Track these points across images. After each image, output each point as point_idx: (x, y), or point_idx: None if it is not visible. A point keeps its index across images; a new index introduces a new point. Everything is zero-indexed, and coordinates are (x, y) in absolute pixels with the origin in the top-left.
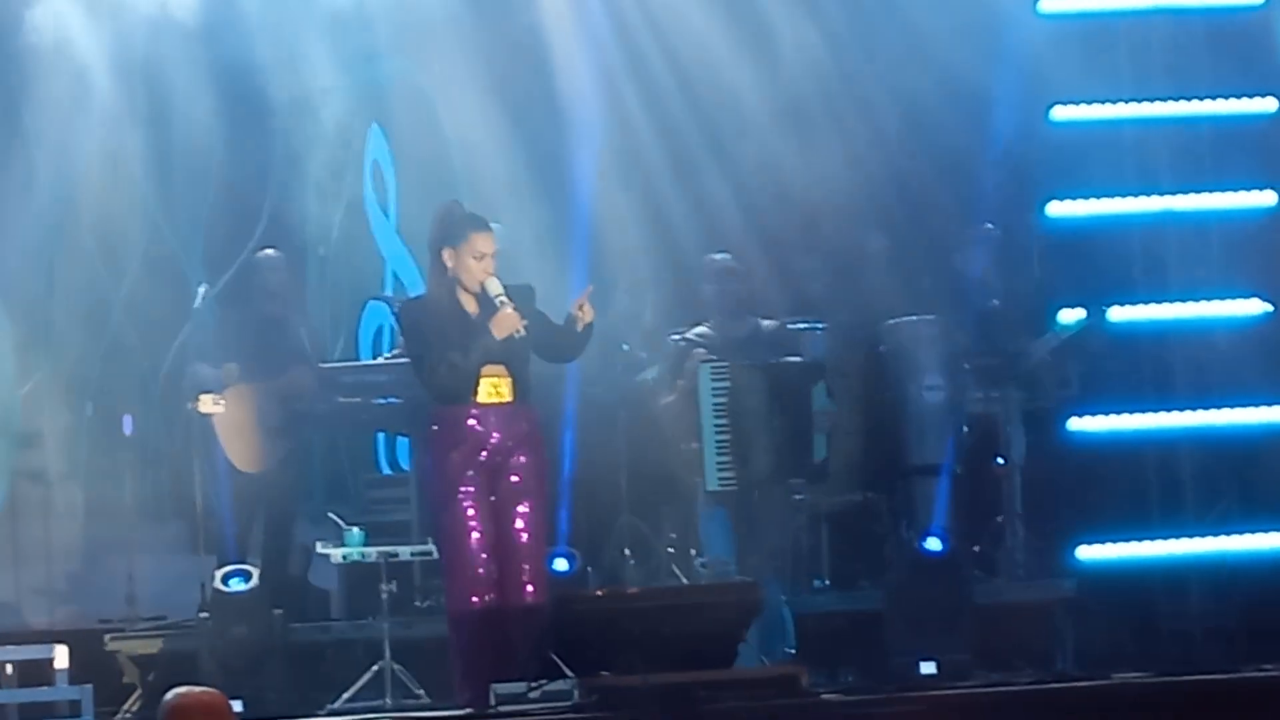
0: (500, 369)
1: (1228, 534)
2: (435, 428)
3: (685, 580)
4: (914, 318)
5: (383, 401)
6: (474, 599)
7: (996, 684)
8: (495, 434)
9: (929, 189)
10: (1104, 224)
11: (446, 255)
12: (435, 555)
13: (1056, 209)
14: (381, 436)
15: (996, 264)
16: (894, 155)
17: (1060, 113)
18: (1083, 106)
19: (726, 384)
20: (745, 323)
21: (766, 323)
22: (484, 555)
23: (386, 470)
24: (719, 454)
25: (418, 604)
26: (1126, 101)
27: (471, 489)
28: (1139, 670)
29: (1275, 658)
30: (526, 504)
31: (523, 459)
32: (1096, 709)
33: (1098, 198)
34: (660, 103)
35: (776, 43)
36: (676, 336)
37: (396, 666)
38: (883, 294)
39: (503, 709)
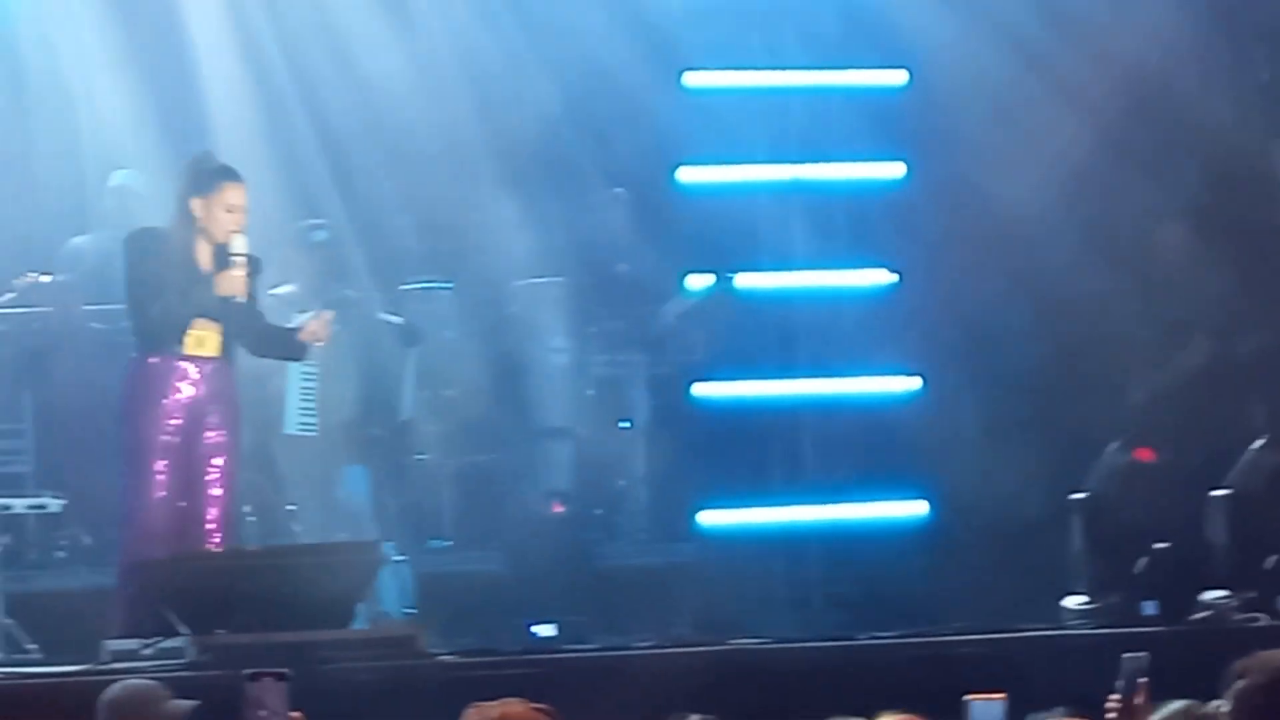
0: (212, 325)
1: (847, 502)
2: (135, 374)
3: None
4: (541, 279)
5: None
6: (153, 550)
7: (615, 648)
8: (196, 387)
9: (560, 150)
10: (734, 191)
11: (196, 205)
12: (50, 509)
13: (687, 175)
14: None
15: (626, 228)
16: (526, 116)
17: (693, 78)
18: (716, 73)
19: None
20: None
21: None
22: (169, 508)
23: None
24: (304, 399)
25: (32, 557)
26: (760, 69)
27: (166, 439)
28: (757, 637)
29: (891, 626)
30: (221, 457)
31: (221, 414)
32: (714, 674)
33: (728, 165)
34: (280, 56)
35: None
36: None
37: (8, 621)
38: (511, 255)
39: (115, 665)
